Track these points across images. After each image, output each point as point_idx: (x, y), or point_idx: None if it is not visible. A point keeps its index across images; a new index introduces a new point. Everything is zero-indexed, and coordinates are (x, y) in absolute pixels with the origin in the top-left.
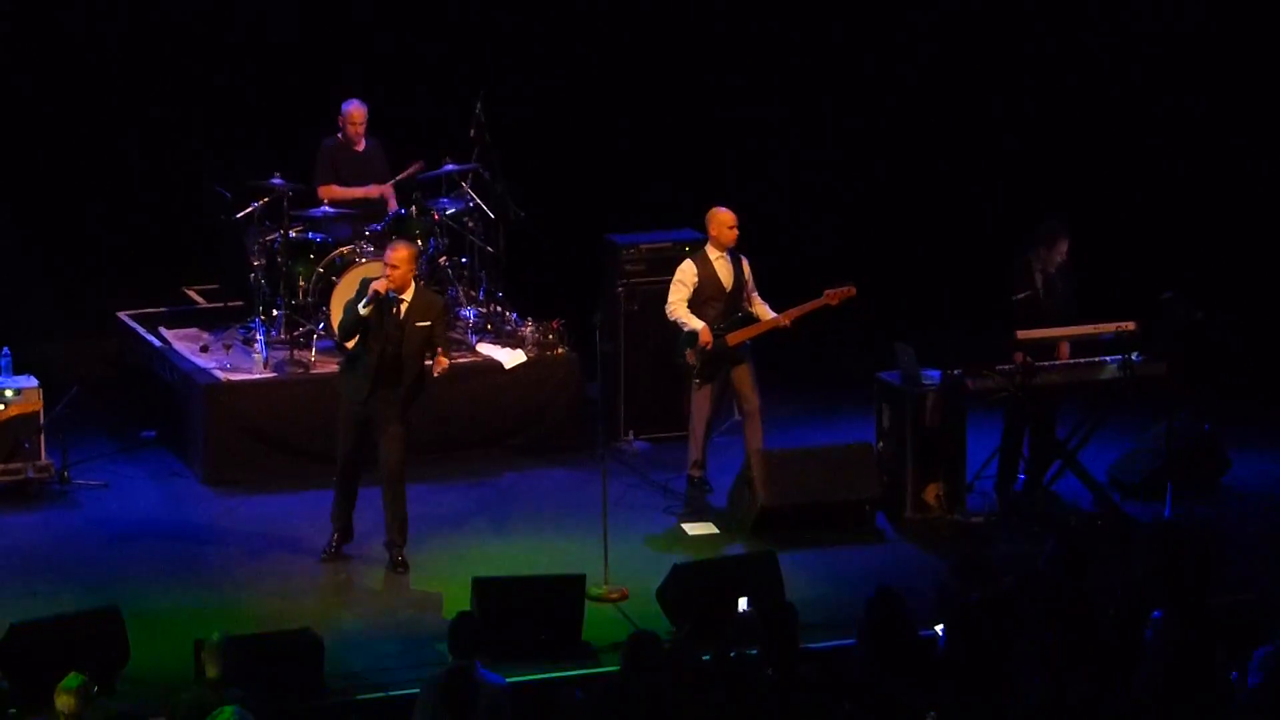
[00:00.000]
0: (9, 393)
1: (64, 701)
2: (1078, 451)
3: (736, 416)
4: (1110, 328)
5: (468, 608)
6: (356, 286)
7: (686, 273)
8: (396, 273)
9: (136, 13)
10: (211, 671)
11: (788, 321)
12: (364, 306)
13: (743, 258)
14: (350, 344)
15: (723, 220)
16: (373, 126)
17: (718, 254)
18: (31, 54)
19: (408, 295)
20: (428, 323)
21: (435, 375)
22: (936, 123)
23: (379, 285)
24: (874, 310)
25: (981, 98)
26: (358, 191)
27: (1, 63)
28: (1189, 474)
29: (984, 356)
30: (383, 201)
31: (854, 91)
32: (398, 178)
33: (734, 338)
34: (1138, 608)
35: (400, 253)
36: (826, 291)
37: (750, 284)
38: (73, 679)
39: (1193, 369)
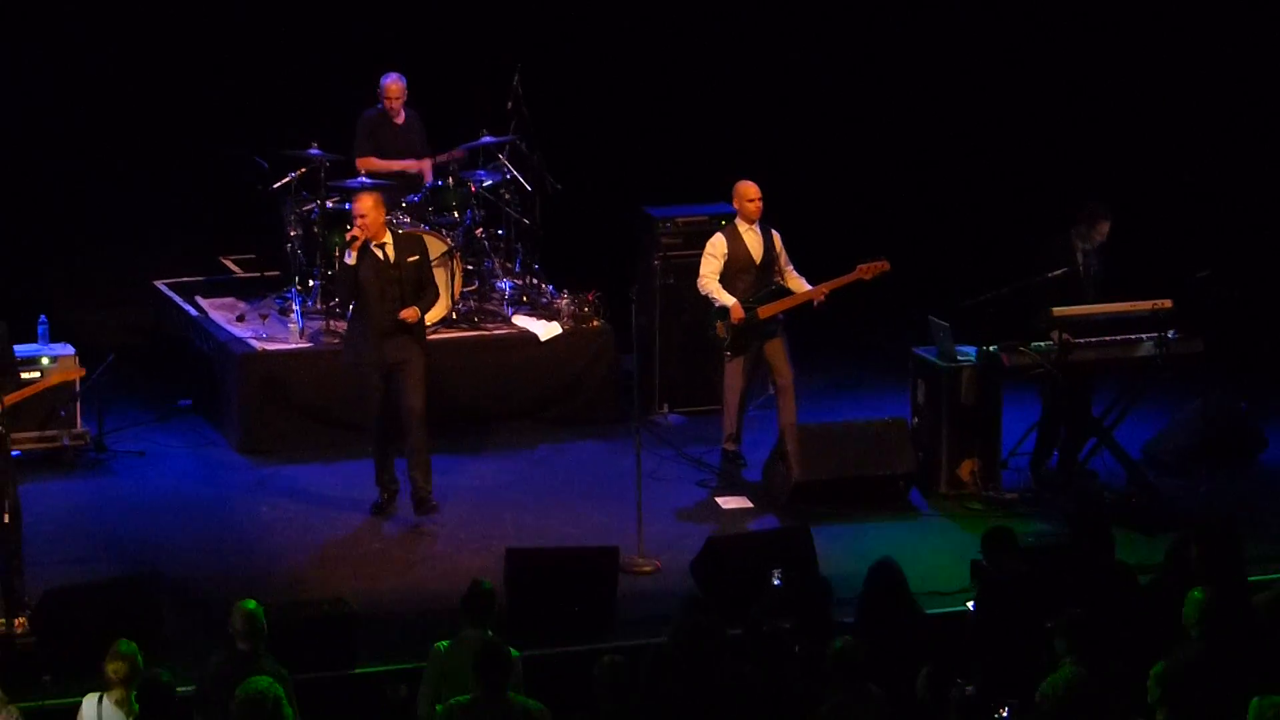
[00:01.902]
0: (45, 360)
1: (115, 667)
2: (1113, 429)
3: (771, 391)
4: (1146, 305)
5: (502, 578)
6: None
7: (716, 246)
8: (366, 220)
9: None
10: (241, 642)
11: (821, 295)
12: (349, 257)
13: (774, 231)
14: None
15: (743, 193)
16: (412, 98)
17: (747, 227)
18: (71, 23)
19: (387, 239)
20: (416, 257)
21: (402, 317)
22: (975, 97)
23: (354, 232)
24: (910, 285)
25: (1019, 73)
26: (396, 164)
27: (41, 31)
28: (1225, 452)
29: (1020, 333)
30: (420, 175)
31: (893, 64)
32: (439, 159)
33: (765, 310)
34: (1174, 586)
35: (365, 201)
36: (859, 266)
37: (783, 257)
38: (125, 644)
39: (1229, 347)
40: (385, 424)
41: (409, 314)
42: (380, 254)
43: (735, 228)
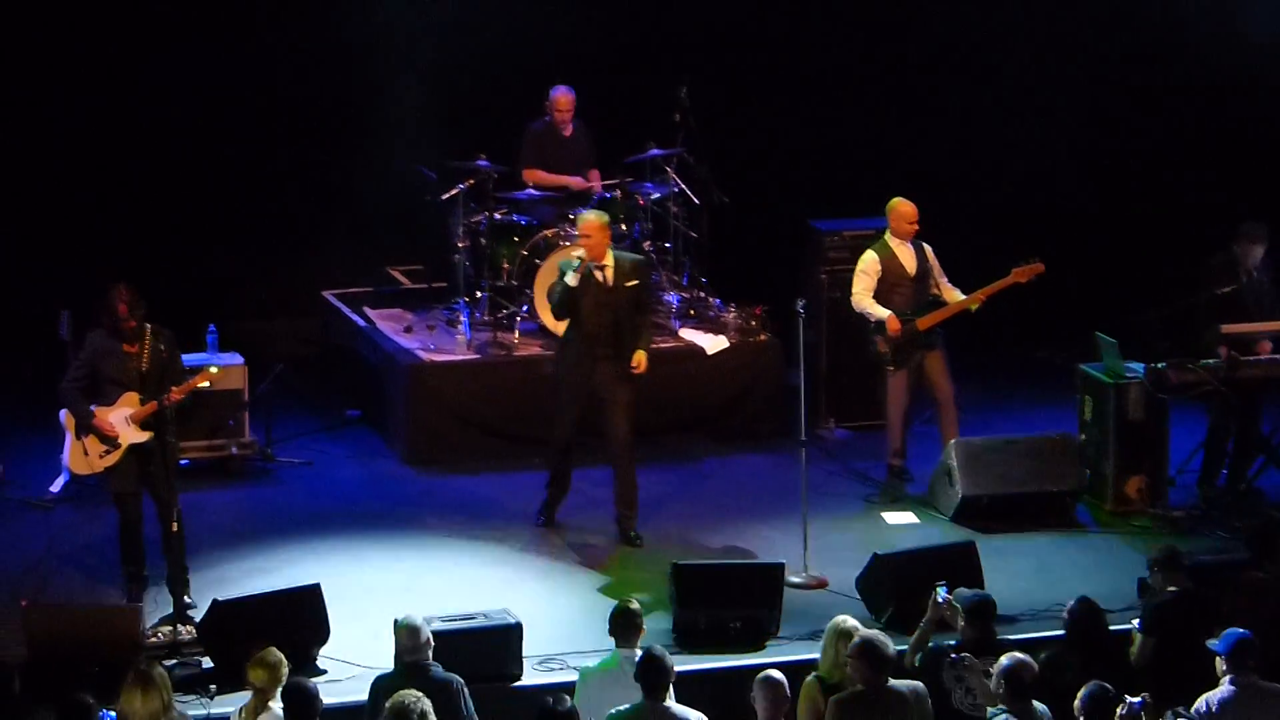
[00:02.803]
0: (214, 369)
1: (256, 674)
2: None
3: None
4: None
5: (666, 591)
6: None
7: (868, 262)
8: (591, 241)
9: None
10: (406, 655)
11: (977, 303)
12: (572, 275)
13: (925, 244)
14: (562, 326)
15: (903, 214)
16: (580, 111)
17: (899, 241)
18: (241, 36)
19: (609, 261)
20: (635, 281)
21: (634, 370)
22: (1142, 111)
23: (581, 254)
24: (1075, 301)
25: (1187, 86)
26: (562, 179)
27: (208, 47)
28: None
29: (1188, 350)
30: (588, 191)
31: (1057, 79)
32: (596, 185)
33: (924, 322)
34: None
35: (591, 221)
36: (1014, 270)
37: (937, 269)
38: (268, 652)
39: None
40: (567, 451)
41: (640, 363)
42: (599, 276)
43: (887, 243)
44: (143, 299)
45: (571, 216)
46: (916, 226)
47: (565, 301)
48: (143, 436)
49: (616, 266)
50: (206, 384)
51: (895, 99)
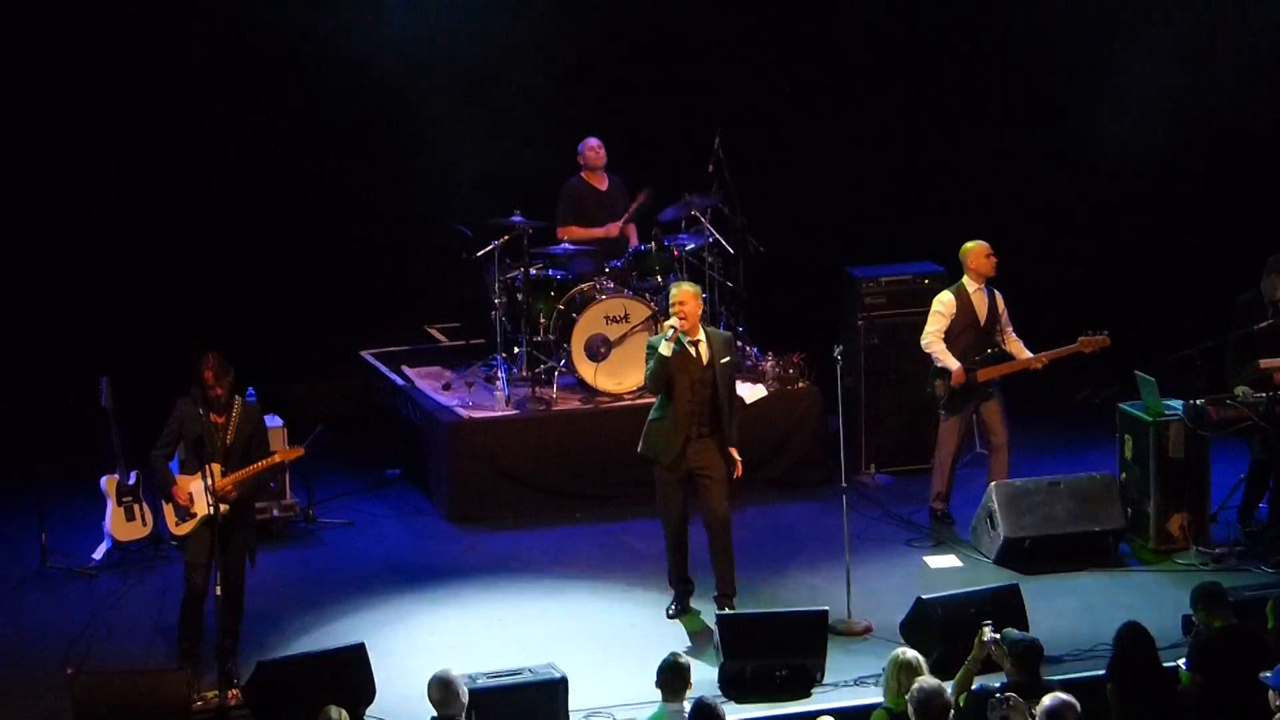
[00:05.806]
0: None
1: None
2: None
3: (979, 449)
4: None
5: (711, 643)
6: (599, 323)
7: (944, 304)
8: (685, 309)
9: (378, 59)
10: (439, 711)
11: (1040, 364)
12: (665, 345)
13: (996, 292)
14: (608, 382)
15: (979, 251)
16: (613, 164)
17: (975, 287)
18: (273, 100)
19: (701, 336)
20: (728, 357)
21: (736, 475)
22: (1184, 159)
23: (674, 323)
24: (1115, 340)
25: (1220, 128)
26: (597, 231)
27: (244, 109)
28: None
29: (1226, 386)
30: (624, 239)
31: (1086, 122)
32: (632, 207)
33: (984, 374)
34: None
35: (686, 291)
36: (1081, 339)
37: (1004, 318)
38: (334, 710)
39: None
40: (682, 530)
41: (739, 470)
42: (693, 351)
43: (964, 287)
44: (231, 369)
45: (608, 270)
46: (995, 259)
47: (661, 374)
48: (220, 509)
49: (710, 341)
50: (262, 466)
51: (931, 146)
